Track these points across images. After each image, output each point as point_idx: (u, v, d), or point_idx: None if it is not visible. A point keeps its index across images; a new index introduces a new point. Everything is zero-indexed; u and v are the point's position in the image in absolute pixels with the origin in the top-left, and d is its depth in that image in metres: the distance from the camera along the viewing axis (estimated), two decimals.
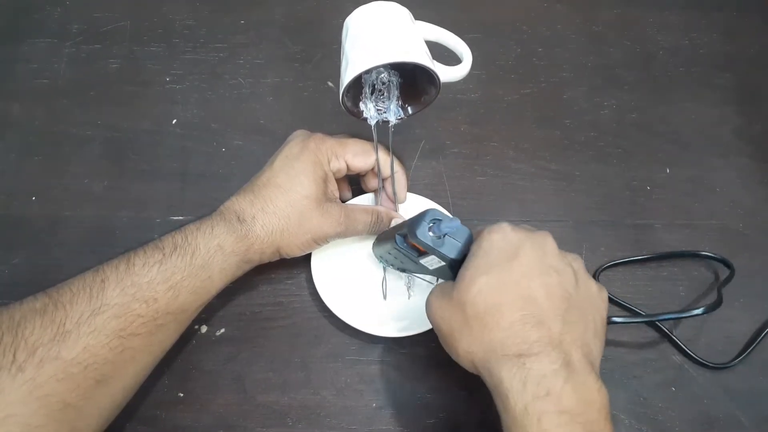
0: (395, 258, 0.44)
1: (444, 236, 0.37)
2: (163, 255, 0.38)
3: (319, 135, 0.46)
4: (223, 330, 0.46)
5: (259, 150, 0.54)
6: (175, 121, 0.56)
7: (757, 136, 0.58)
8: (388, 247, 0.43)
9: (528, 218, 0.52)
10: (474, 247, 0.37)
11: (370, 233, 0.47)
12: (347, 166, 0.46)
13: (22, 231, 0.50)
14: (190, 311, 0.40)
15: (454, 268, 0.38)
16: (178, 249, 0.39)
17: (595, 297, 0.37)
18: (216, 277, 0.40)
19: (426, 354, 0.46)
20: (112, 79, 0.58)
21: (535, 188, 0.54)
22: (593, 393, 0.32)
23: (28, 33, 0.61)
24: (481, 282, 0.35)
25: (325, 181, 0.45)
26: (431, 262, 0.39)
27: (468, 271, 0.36)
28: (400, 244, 0.40)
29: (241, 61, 0.60)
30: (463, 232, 0.38)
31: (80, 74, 0.59)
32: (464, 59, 0.43)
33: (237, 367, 0.45)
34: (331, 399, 0.44)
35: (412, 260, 0.41)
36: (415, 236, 0.37)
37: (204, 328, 0.46)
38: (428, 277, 0.47)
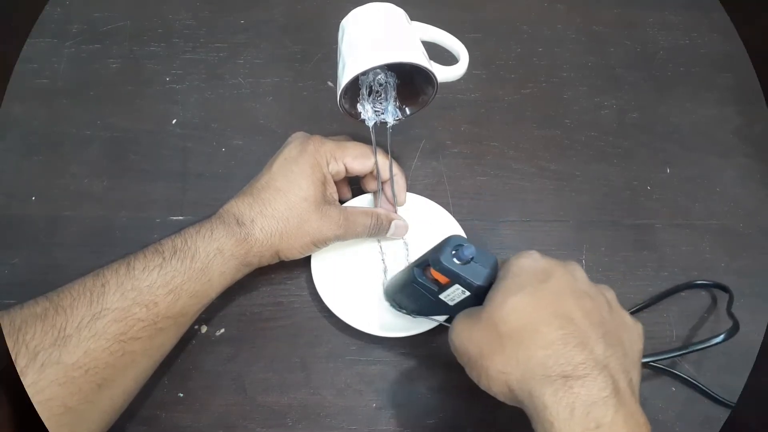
0: (409, 297, 0.42)
1: (470, 261, 0.36)
2: (163, 259, 0.38)
3: (317, 137, 0.45)
4: (223, 330, 0.46)
5: (259, 150, 0.54)
6: (174, 121, 0.56)
7: (758, 136, 0.58)
8: (402, 284, 0.42)
9: (528, 218, 0.52)
10: (502, 272, 0.36)
11: (369, 236, 0.47)
12: (346, 168, 0.46)
13: (21, 231, 0.50)
14: (189, 314, 0.40)
15: (478, 298, 0.36)
16: (177, 253, 0.39)
17: (630, 328, 0.36)
18: (216, 281, 0.40)
19: (426, 354, 0.46)
20: (111, 80, 0.58)
21: (535, 188, 0.54)
22: (641, 427, 0.30)
23: (28, 33, 0.61)
24: (514, 300, 0.33)
25: (324, 183, 0.44)
26: (453, 295, 0.38)
27: (498, 292, 0.34)
28: (419, 277, 0.39)
29: (241, 61, 0.60)
30: (489, 258, 0.36)
31: (80, 74, 0.59)
32: (461, 58, 0.43)
33: (237, 367, 0.45)
34: (331, 399, 0.44)
35: (430, 296, 0.39)
36: (440, 263, 0.36)
37: (204, 328, 0.46)
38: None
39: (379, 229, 0.47)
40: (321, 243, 0.44)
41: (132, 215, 0.51)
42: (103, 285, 0.36)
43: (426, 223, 0.50)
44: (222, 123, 0.56)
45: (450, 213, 0.51)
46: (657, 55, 0.63)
